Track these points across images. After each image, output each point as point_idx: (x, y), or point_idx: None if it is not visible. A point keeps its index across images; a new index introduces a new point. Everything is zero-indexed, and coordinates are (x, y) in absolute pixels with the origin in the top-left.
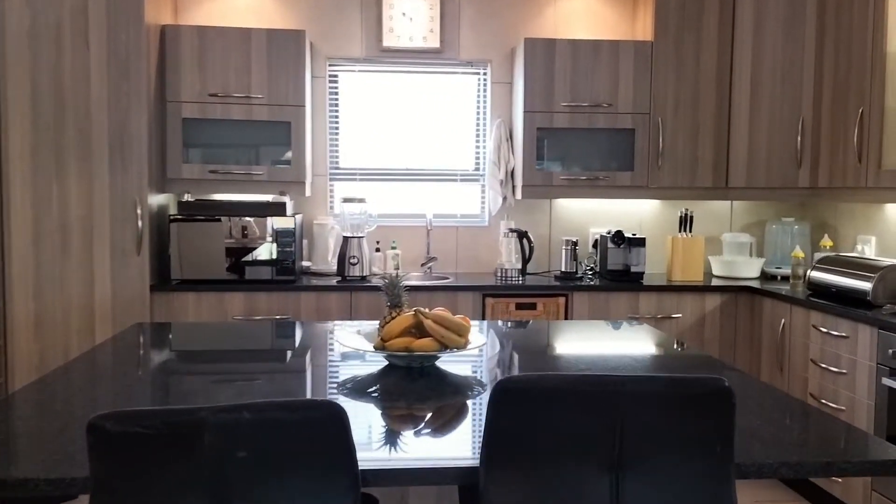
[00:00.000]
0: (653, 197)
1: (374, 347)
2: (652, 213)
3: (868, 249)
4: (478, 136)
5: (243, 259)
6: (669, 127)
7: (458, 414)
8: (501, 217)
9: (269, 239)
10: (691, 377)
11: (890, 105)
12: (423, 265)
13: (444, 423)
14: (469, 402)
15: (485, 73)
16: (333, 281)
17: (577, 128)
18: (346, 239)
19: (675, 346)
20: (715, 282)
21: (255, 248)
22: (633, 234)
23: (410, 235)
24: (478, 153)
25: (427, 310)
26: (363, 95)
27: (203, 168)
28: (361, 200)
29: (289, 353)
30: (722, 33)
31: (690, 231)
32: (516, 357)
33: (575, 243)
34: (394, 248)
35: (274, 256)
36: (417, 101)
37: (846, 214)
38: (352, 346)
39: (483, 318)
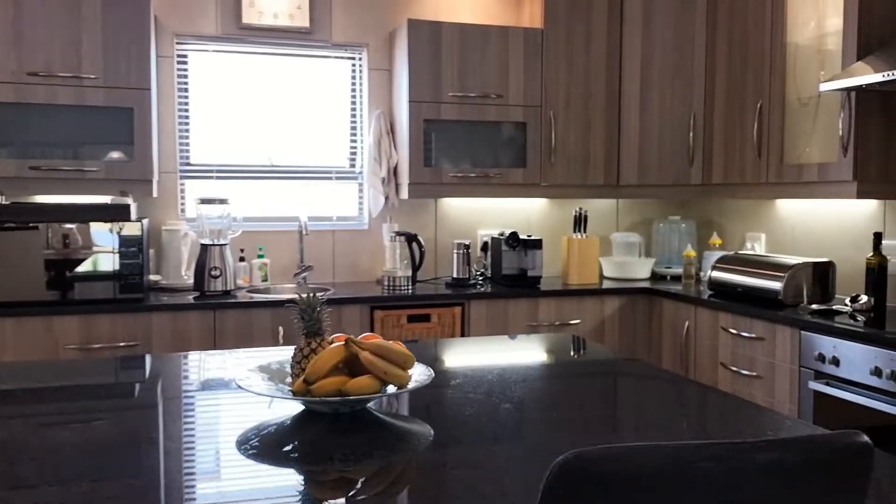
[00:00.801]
0: (546, 195)
1: (295, 392)
2: (541, 213)
3: (758, 247)
4: (354, 128)
5: (73, 273)
6: (561, 121)
7: (407, 473)
8: (383, 219)
9: (111, 249)
10: (831, 435)
11: (791, 98)
12: (296, 275)
13: (394, 484)
14: (423, 456)
15: (360, 59)
16: (190, 297)
17: (466, 120)
18: (204, 247)
19: (573, 351)
20: (607, 284)
21: (85, 260)
22: (529, 236)
23: (279, 241)
24: (354, 148)
25: (355, 337)
26: (219, 80)
27: (20, 164)
28: (223, 201)
29: (137, 387)
30: (611, 23)
31: (585, 231)
32: (455, 387)
33: (467, 247)
34: (261, 256)
35: (116, 269)
36: (284, 88)
37: (733, 212)
38: (263, 393)
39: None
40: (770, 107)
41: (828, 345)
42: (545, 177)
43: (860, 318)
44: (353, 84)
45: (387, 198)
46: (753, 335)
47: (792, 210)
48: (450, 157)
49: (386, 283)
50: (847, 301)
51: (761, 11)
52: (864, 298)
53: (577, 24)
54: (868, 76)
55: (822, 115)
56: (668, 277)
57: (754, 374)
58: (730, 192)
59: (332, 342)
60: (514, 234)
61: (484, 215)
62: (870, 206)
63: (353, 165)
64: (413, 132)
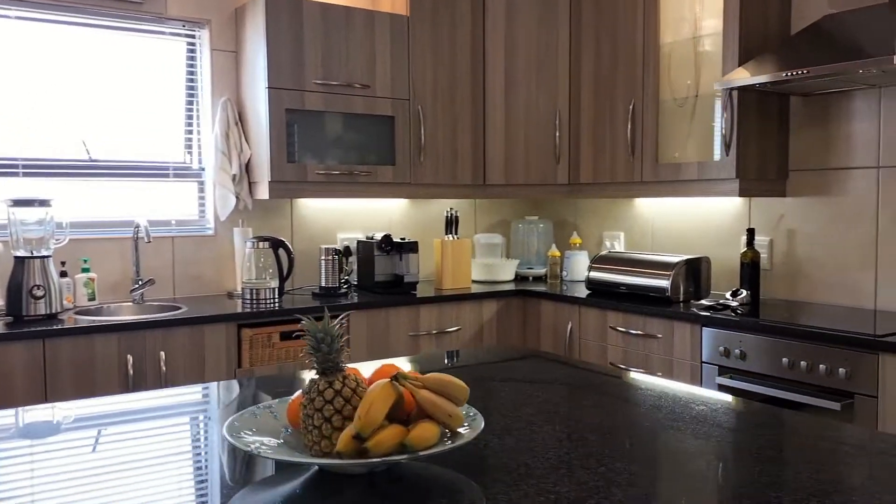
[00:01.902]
0: (415, 196)
1: (342, 452)
2: (403, 215)
3: (618, 245)
4: (191, 118)
5: None
6: (430, 116)
7: None
8: (234, 223)
9: None
10: None
11: (666, 98)
12: (133, 291)
13: None
14: None
15: (200, 38)
16: (1, 325)
17: (332, 112)
18: (20, 261)
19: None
20: (475, 287)
21: None
22: (403, 238)
23: (108, 252)
24: (189, 140)
25: (405, 372)
26: (23, 55)
27: None
28: (45, 203)
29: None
30: (475, 13)
31: (457, 233)
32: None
33: (338, 252)
34: (86, 269)
35: None
36: (107, 69)
37: (588, 211)
38: (299, 460)
39: (240, 358)
40: (644, 106)
41: (734, 339)
42: (415, 176)
43: (741, 310)
44: (192, 67)
45: (238, 197)
46: (649, 333)
47: (651, 208)
48: (315, 152)
49: (248, 296)
50: (728, 295)
51: (632, 11)
52: (743, 293)
53: (443, 13)
54: (764, 76)
55: (700, 115)
56: (531, 278)
57: (650, 373)
58: (599, 192)
59: (351, 378)
60: (387, 238)
61: (344, 217)
62: (733, 203)
63: (195, 161)
64: (274, 123)
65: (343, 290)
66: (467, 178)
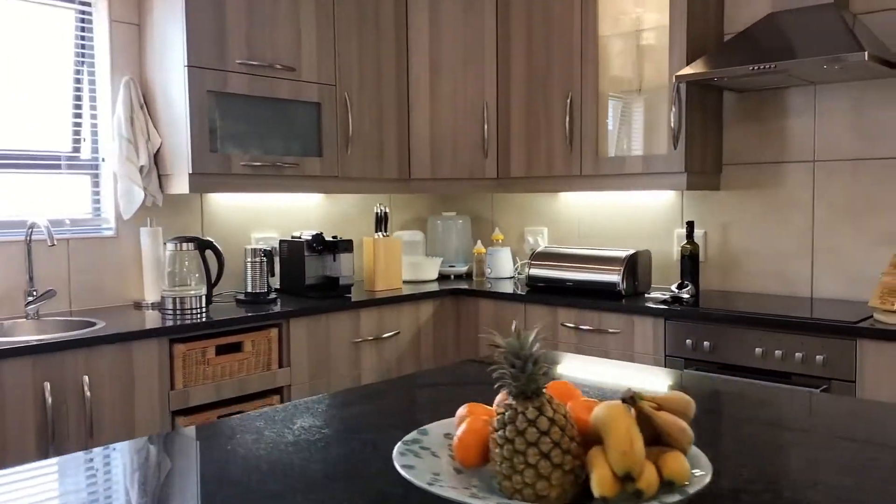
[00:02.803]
0: (343, 190)
1: (607, 499)
2: (322, 211)
3: (541, 240)
4: (79, 99)
5: None
6: (356, 104)
7: None
8: (141, 222)
9: None
10: None
11: (605, 91)
12: (28, 305)
13: None
14: None
15: (97, 5)
16: None
17: (257, 96)
18: None
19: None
20: (404, 288)
21: None
22: (335, 237)
23: None
24: (79, 126)
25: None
26: None
27: None
28: None
29: None
30: None
31: (387, 230)
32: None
33: (267, 253)
34: None
35: None
36: None
37: (506, 206)
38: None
39: (172, 377)
40: (583, 99)
41: (701, 331)
42: (343, 169)
43: (691, 302)
44: (86, 41)
45: (146, 191)
46: (605, 329)
47: (577, 203)
48: (238, 141)
49: (169, 306)
50: (674, 288)
51: (568, 2)
52: (689, 285)
53: None
54: (730, 69)
55: (644, 109)
56: (452, 277)
57: None
58: (532, 186)
59: (552, 402)
60: (318, 236)
61: (258, 215)
62: (666, 197)
63: (77, 151)
64: (194, 107)
65: (272, 296)
66: (393, 171)
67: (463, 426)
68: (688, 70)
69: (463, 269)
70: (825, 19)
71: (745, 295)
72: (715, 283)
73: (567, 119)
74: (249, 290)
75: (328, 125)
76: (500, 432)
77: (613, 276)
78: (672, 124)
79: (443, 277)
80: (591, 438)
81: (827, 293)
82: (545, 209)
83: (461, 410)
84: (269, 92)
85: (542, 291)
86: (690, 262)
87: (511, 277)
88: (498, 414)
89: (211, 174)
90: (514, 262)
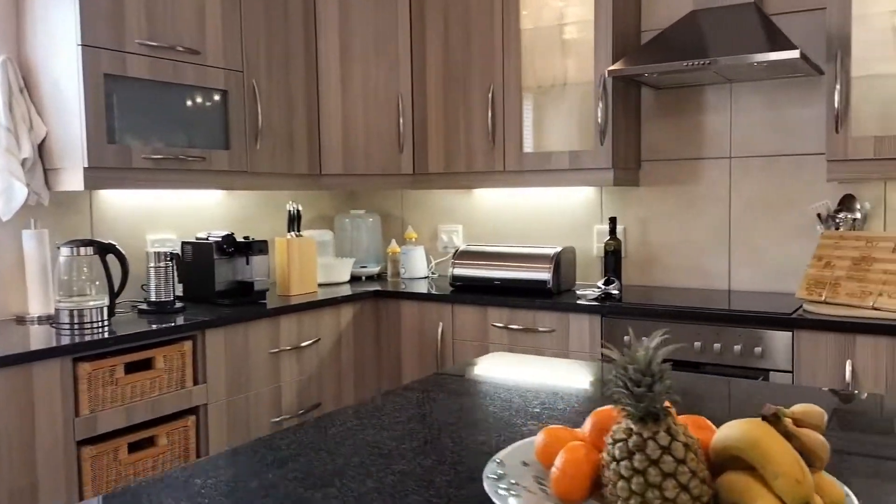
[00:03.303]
0: (252, 186)
1: None
2: (223, 210)
3: (456, 238)
4: None
5: None
6: (265, 93)
7: None
8: (24, 223)
9: None
10: None
11: (528, 85)
12: None
13: None
14: None
15: None
16: None
17: (159, 81)
18: None
19: None
20: (319, 292)
21: None
22: (247, 238)
23: None
24: None
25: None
26: None
27: None
28: None
29: None
30: None
31: (299, 230)
32: None
33: (172, 257)
34: None
35: None
36: None
37: (416, 204)
38: None
39: (77, 402)
40: (505, 93)
41: (639, 327)
42: (252, 163)
43: (616, 298)
44: None
45: (29, 187)
46: (540, 328)
47: (493, 200)
48: (138, 131)
49: (65, 320)
50: (600, 284)
51: None
52: (615, 281)
53: None
54: (667, 64)
55: (569, 104)
56: (363, 278)
57: None
58: (452, 182)
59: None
60: (229, 238)
61: (153, 215)
62: (585, 193)
63: None
64: (90, 93)
65: (178, 305)
66: (303, 167)
67: (562, 456)
68: (619, 66)
69: (375, 269)
70: (749, 18)
71: (666, 289)
72: (635, 279)
73: (489, 113)
74: (153, 298)
75: (236, 115)
76: (623, 463)
77: (543, 274)
78: (599, 120)
79: (354, 279)
80: (717, 462)
81: (743, 286)
82: (459, 206)
83: (543, 436)
84: (171, 77)
85: (468, 291)
86: (614, 258)
87: (426, 277)
88: (616, 441)
89: (109, 168)
90: (429, 262)
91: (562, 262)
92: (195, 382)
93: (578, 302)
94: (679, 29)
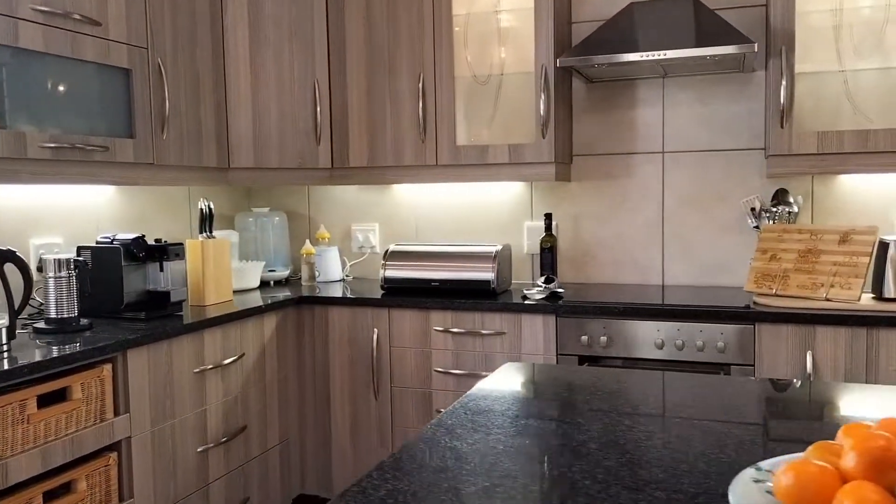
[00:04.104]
0: (157, 181)
1: None
2: (115, 209)
3: (373, 238)
4: None
5: None
6: (171, 74)
7: None
8: None
9: None
10: None
11: (462, 74)
12: None
13: None
14: None
15: None
16: None
17: (56, 55)
18: None
19: None
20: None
21: None
22: (160, 241)
23: None
24: None
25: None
26: None
27: None
28: None
29: None
30: None
31: (211, 232)
32: None
33: (77, 265)
34: None
35: None
36: None
37: (325, 201)
38: None
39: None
40: (437, 82)
41: (595, 326)
42: (159, 154)
43: (562, 296)
44: None
45: None
46: (489, 331)
47: (413, 196)
48: (33, 115)
49: None
50: (540, 282)
51: None
52: (555, 279)
53: None
54: (627, 55)
55: (506, 95)
56: (272, 283)
57: (490, 373)
58: (377, 177)
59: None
60: (140, 240)
61: (34, 216)
62: (514, 189)
63: None
64: None
65: (85, 322)
66: (212, 160)
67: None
68: (570, 57)
69: (285, 273)
70: (695, 12)
71: (603, 286)
72: (569, 276)
73: (420, 104)
74: (53, 315)
75: (141, 99)
76: None
77: (486, 273)
78: (542, 112)
79: (262, 284)
80: None
81: (676, 280)
82: (374, 204)
83: (810, 458)
84: (69, 51)
85: (401, 294)
86: (550, 256)
87: (340, 280)
88: None
89: (1, 158)
90: (343, 264)
91: (502, 261)
92: (116, 413)
93: (528, 302)
94: (623, 21)
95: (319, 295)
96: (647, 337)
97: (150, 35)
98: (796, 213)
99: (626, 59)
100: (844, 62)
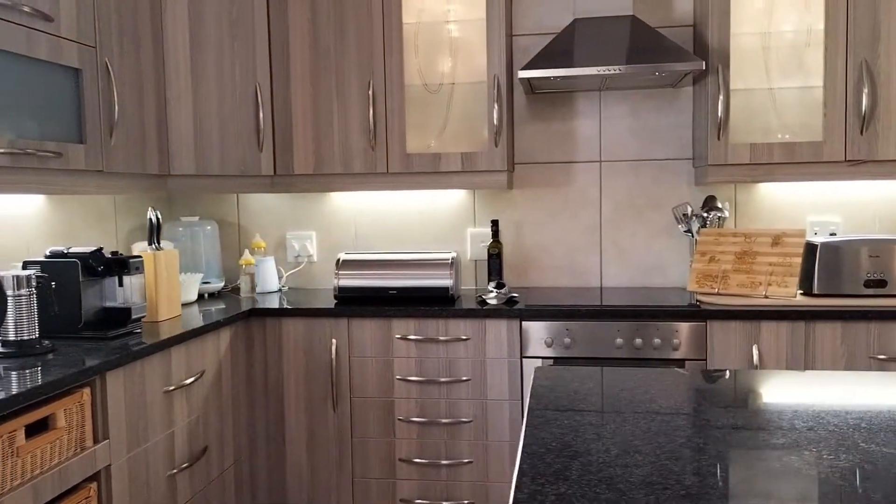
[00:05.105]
0: (105, 190)
1: None
2: (41, 222)
3: (310, 247)
4: None
5: None
6: (118, 75)
7: None
8: None
9: None
10: None
11: (413, 82)
12: None
13: None
14: None
15: None
16: None
17: (8, 52)
18: None
19: None
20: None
21: None
22: (117, 253)
23: None
24: None
25: None
26: None
27: None
28: None
29: None
30: None
31: (159, 243)
32: None
33: (42, 281)
34: None
35: None
36: None
37: (254, 209)
38: None
39: None
40: (387, 90)
41: (558, 328)
42: (108, 161)
43: (517, 300)
44: None
45: None
46: (452, 337)
47: (354, 204)
48: None
49: None
50: (491, 287)
51: None
52: (505, 284)
53: None
54: (582, 69)
55: (458, 104)
56: (206, 295)
57: (457, 378)
58: (324, 185)
59: None
60: (98, 254)
61: None
62: (456, 196)
63: None
64: None
65: (47, 343)
66: (154, 166)
67: None
68: (533, 70)
69: (219, 285)
70: (640, 30)
71: (547, 289)
72: (512, 280)
73: (371, 111)
74: (13, 337)
75: (91, 101)
76: None
77: (445, 280)
78: (495, 121)
79: (198, 297)
80: None
81: (613, 283)
82: (309, 212)
83: None
84: (23, 48)
85: (356, 303)
86: (498, 261)
87: (277, 291)
88: None
89: None
90: (280, 274)
91: (458, 268)
92: (95, 440)
93: (491, 307)
94: (571, 36)
95: (272, 307)
96: (608, 337)
97: (98, 34)
98: (726, 218)
99: (588, 73)
100: (772, 80)
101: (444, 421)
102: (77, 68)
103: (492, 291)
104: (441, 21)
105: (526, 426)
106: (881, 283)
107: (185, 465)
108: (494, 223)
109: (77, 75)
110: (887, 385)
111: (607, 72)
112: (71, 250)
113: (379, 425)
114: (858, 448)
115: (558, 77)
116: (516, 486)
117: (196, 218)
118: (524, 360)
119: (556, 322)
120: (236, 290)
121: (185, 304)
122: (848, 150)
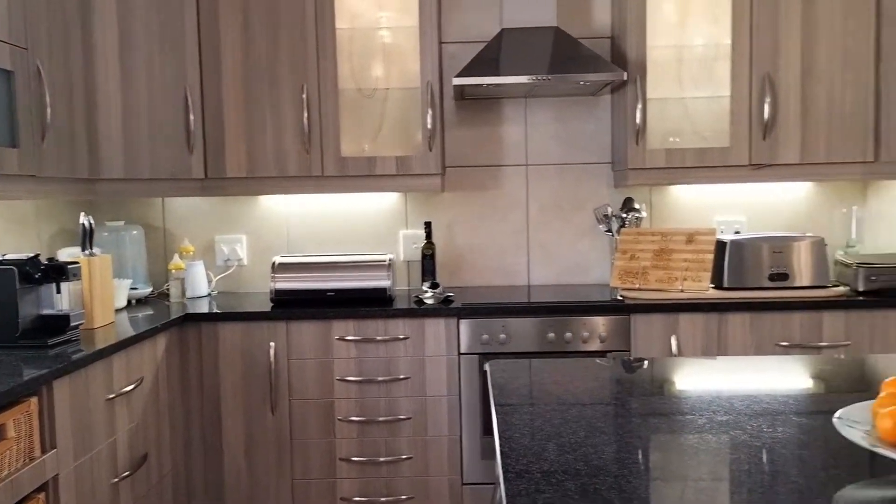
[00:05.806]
0: (36, 195)
1: None
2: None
3: (240, 250)
4: None
5: None
6: (49, 77)
7: None
8: None
9: None
10: None
11: (347, 87)
12: None
13: None
14: None
15: None
16: None
17: None
18: None
19: None
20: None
21: None
22: (53, 259)
23: None
24: None
25: None
26: None
27: None
28: None
29: None
30: None
31: (91, 247)
32: None
33: None
34: None
35: None
36: None
37: (180, 213)
38: None
39: None
40: (321, 94)
41: (495, 326)
42: (40, 166)
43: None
44: None
45: None
46: (391, 336)
47: (280, 207)
48: None
49: None
50: (426, 287)
51: None
52: (439, 283)
53: None
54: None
55: (392, 108)
56: (133, 302)
57: (396, 377)
58: (256, 188)
59: None
60: (34, 260)
61: None
62: (388, 199)
63: None
64: None
65: None
66: (83, 170)
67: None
68: (470, 79)
69: (147, 290)
70: (564, 41)
71: (479, 288)
72: (444, 280)
73: (305, 115)
74: None
75: (24, 104)
76: None
77: (383, 281)
78: (429, 125)
79: (127, 303)
80: None
81: (540, 281)
82: (239, 215)
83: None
84: None
85: (294, 305)
86: (431, 262)
87: (207, 296)
88: None
89: None
90: (210, 279)
91: (394, 269)
92: (43, 450)
93: (429, 307)
94: (501, 45)
95: (208, 311)
96: (541, 332)
97: (29, 35)
98: (643, 218)
99: (519, 81)
100: (685, 90)
101: (383, 419)
102: (9, 70)
103: (427, 291)
104: (374, 27)
105: (496, 414)
106: (783, 277)
107: (126, 472)
108: (428, 225)
109: (9, 77)
110: (788, 370)
111: (537, 80)
112: (6, 257)
113: (319, 426)
114: (763, 432)
115: (490, 84)
116: (503, 466)
117: (121, 223)
118: (462, 356)
119: (492, 319)
120: (163, 295)
121: (115, 311)
122: (752, 155)
